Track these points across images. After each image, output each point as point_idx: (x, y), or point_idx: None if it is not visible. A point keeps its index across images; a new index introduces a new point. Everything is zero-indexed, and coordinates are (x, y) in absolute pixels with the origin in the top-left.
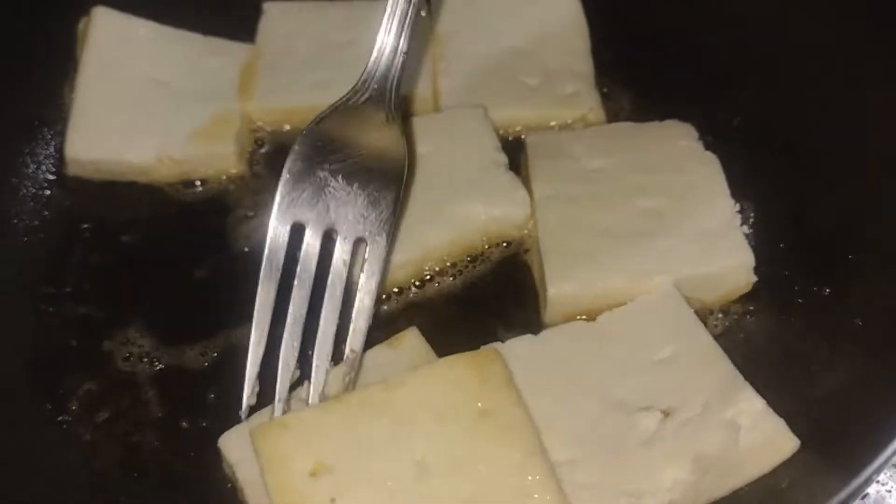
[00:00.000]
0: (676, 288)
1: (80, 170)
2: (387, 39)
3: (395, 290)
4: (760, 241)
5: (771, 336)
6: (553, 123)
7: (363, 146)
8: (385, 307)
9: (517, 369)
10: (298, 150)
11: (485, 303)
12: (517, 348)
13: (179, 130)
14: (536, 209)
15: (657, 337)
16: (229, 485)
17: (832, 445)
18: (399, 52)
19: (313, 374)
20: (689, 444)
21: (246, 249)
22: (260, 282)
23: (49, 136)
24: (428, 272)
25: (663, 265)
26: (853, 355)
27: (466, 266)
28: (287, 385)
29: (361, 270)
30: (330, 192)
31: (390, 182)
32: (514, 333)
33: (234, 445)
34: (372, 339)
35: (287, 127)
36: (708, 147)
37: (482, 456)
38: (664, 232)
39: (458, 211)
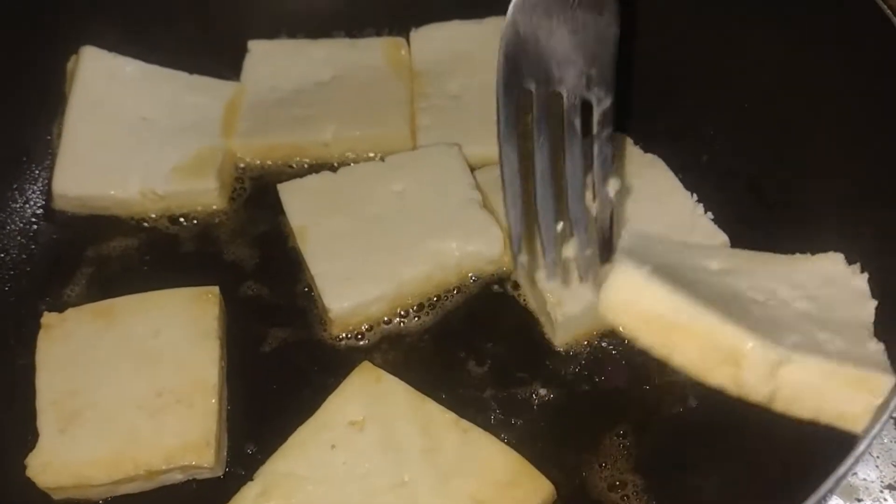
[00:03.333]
0: None
1: (67, 204)
2: None
3: (367, 326)
4: None
5: None
6: None
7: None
8: (360, 342)
9: None
10: (513, 19)
11: (456, 336)
12: None
13: (163, 166)
14: None
15: None
16: None
17: None
18: None
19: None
20: None
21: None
22: (500, 146)
23: (37, 172)
24: (401, 307)
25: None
26: None
27: (439, 300)
28: (552, 238)
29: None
30: (550, 52)
31: (607, 38)
32: (486, 367)
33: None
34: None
35: (269, 163)
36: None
37: None
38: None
39: (433, 247)
